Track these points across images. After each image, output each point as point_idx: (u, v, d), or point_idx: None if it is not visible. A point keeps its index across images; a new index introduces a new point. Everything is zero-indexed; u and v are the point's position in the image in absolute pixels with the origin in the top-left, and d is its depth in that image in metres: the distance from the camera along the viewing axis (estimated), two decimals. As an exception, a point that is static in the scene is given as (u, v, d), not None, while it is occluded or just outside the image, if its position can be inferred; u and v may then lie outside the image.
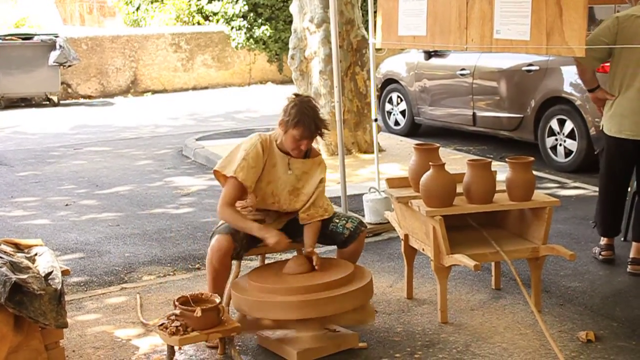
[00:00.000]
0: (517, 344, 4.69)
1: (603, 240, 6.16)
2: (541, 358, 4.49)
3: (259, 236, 4.74)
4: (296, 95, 4.86)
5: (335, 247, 5.09)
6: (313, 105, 4.79)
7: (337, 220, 4.97)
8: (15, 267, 4.43)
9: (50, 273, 4.50)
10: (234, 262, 4.91)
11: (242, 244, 4.80)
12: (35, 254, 4.79)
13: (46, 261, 4.66)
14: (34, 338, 4.39)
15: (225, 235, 4.75)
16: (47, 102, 16.98)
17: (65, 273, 4.71)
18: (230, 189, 4.79)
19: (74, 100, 17.91)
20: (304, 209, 4.90)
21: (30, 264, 4.58)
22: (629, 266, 5.90)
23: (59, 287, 4.44)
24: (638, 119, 5.75)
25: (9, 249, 4.75)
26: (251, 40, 19.52)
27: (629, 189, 6.26)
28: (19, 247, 4.91)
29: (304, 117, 4.69)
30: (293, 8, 10.72)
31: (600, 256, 6.12)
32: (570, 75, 9.20)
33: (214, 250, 4.74)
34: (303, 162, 4.91)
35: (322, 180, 4.99)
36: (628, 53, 5.71)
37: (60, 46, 16.43)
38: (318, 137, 4.84)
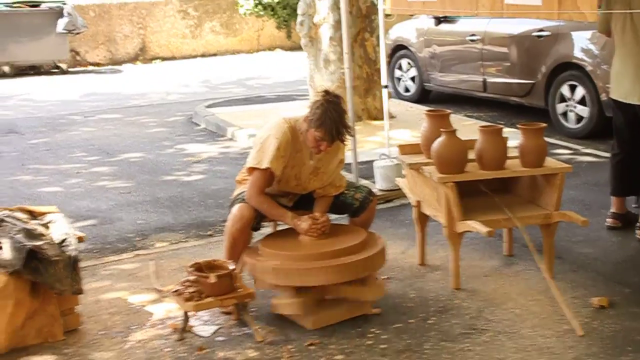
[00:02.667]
0: (530, 310, 4.70)
1: (612, 208, 6.15)
2: (554, 324, 4.50)
3: (292, 225, 4.74)
4: (326, 92, 4.72)
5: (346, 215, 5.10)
6: (340, 108, 4.65)
7: (347, 191, 4.98)
8: (30, 234, 4.47)
9: (64, 240, 4.53)
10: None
11: (261, 213, 4.81)
12: (49, 221, 4.81)
13: (60, 228, 4.68)
14: (50, 304, 4.44)
15: (246, 204, 4.75)
16: (56, 70, 16.97)
17: (80, 240, 4.73)
18: (260, 178, 4.73)
19: (82, 68, 17.89)
20: (321, 187, 4.91)
21: (44, 231, 4.62)
22: (636, 231, 5.89)
23: (74, 253, 4.48)
24: (619, 82, 5.78)
25: (23, 216, 4.77)
26: (259, 6, 19.40)
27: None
28: (33, 215, 4.92)
29: (328, 121, 4.59)
30: (302, -26, 10.65)
31: (606, 223, 6.11)
32: (581, 40, 9.15)
33: (236, 219, 4.72)
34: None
35: (341, 161, 4.97)
36: (617, 16, 5.68)
37: (68, 13, 16.40)
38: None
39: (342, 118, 4.65)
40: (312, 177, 4.88)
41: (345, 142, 4.80)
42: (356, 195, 4.97)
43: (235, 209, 4.76)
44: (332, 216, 4.97)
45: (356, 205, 4.95)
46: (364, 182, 7.39)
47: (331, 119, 4.59)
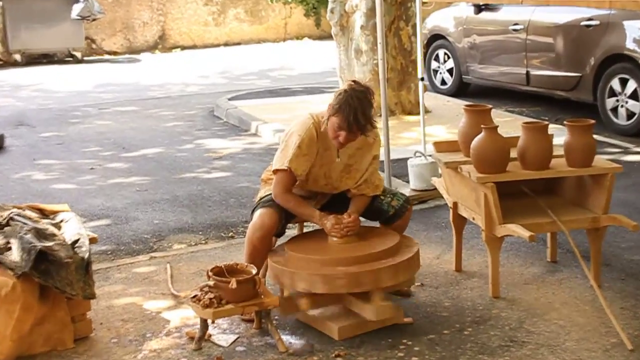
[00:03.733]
0: (575, 321, 4.65)
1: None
2: (601, 337, 4.45)
3: (319, 223, 4.74)
4: (354, 82, 4.71)
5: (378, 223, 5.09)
6: (363, 97, 4.61)
7: (383, 197, 4.95)
8: (40, 234, 4.49)
9: (77, 240, 4.55)
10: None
11: (287, 217, 4.81)
12: (61, 220, 4.83)
13: (73, 228, 4.70)
14: (60, 309, 4.45)
15: (268, 209, 4.74)
16: (70, 59, 17.08)
17: (92, 241, 4.74)
18: (284, 178, 4.73)
19: (98, 57, 18.00)
20: (355, 185, 4.88)
21: (55, 231, 4.64)
22: None
23: (87, 255, 4.49)
24: None
25: (33, 215, 4.80)
26: (287, -8, 19.45)
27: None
28: (43, 213, 4.95)
29: (346, 107, 4.56)
30: (333, -42, 10.63)
31: None
32: (633, 30, 9.07)
33: (256, 228, 4.71)
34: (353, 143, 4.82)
35: (375, 157, 4.93)
36: None
37: (84, -1, 16.50)
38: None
39: (364, 107, 4.60)
40: (344, 175, 4.85)
41: (368, 134, 4.73)
42: (392, 202, 4.95)
43: (257, 216, 4.75)
44: (365, 221, 4.95)
45: (391, 213, 4.94)
46: (396, 181, 7.37)
47: (351, 105, 4.56)
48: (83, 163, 8.82)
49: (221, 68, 15.82)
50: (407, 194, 6.97)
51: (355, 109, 4.56)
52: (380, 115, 6.91)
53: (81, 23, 16.75)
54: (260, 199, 4.91)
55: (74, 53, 17.03)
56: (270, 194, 4.80)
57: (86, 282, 4.46)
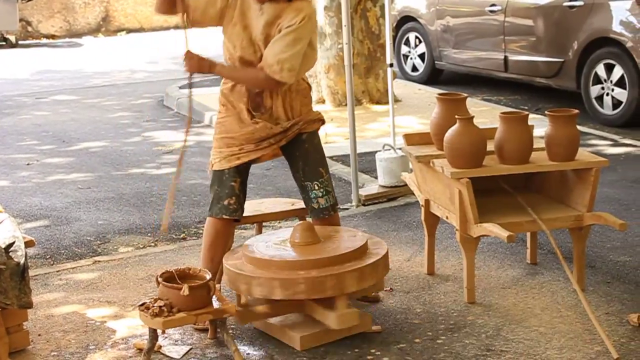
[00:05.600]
0: (557, 328, 4.70)
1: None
2: (585, 345, 4.50)
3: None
4: None
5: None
6: None
7: (317, 186, 4.99)
8: (-30, 237, 4.45)
9: (11, 244, 4.51)
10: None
11: (240, 200, 4.92)
12: (-6, 222, 4.80)
13: (7, 230, 4.67)
14: (-7, 320, 4.42)
15: (218, 220, 4.89)
16: (3, 43, 16.96)
17: (29, 244, 4.72)
18: None
19: (35, 41, 17.89)
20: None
21: (-13, 234, 4.60)
22: None
23: (22, 260, 4.47)
24: None
25: (-38, 216, 4.76)
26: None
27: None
28: (-26, 214, 4.92)
29: None
30: None
31: None
32: (620, 11, 9.17)
33: (212, 240, 4.93)
34: (276, 5, 4.77)
35: (291, 26, 4.73)
36: None
37: (18, -24, 16.39)
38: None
39: None
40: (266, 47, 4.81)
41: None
42: (320, 199, 5.00)
43: (210, 224, 4.94)
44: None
45: (315, 207, 5.01)
46: (363, 177, 7.40)
47: None
48: (18, 158, 8.78)
49: (171, 53, 15.73)
50: (376, 191, 7.04)
51: None
52: (346, 105, 6.94)
53: (15, 3, 16.63)
54: (211, 199, 4.95)
55: (7, 37, 16.92)
56: (216, 193, 4.90)
57: (22, 289, 4.43)
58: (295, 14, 4.74)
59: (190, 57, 4.91)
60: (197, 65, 4.92)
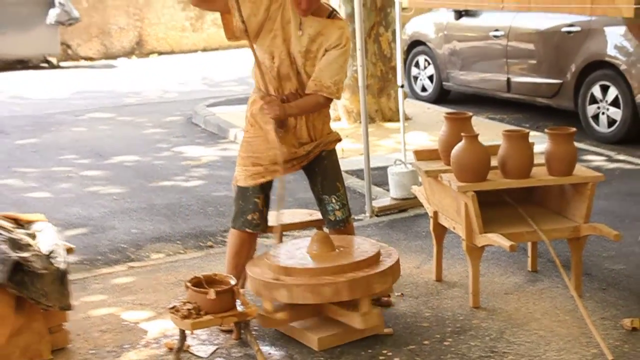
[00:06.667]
0: (556, 332, 4.69)
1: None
2: (582, 347, 4.49)
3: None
4: None
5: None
6: None
7: (335, 200, 5.00)
8: (15, 244, 4.47)
9: (52, 251, 4.54)
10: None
11: (263, 215, 4.92)
12: (37, 230, 4.82)
13: (48, 238, 4.69)
14: (36, 320, 4.45)
15: (241, 232, 4.91)
16: (46, 65, 17.00)
17: (69, 251, 4.75)
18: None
19: (74, 63, 17.93)
20: (314, 76, 4.78)
21: (31, 241, 4.62)
22: None
23: (63, 266, 4.49)
24: None
25: (8, 225, 4.78)
26: (266, -3, 19.44)
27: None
28: (18, 223, 4.93)
29: None
30: (312, -37, 10.65)
31: None
32: (614, 37, 9.14)
33: (236, 247, 4.95)
34: (319, 21, 4.78)
35: (339, 46, 4.80)
36: None
37: (60, 3, 16.43)
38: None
39: None
40: (307, 62, 4.80)
41: (334, 16, 4.78)
42: (337, 211, 5.01)
43: (232, 236, 4.96)
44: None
45: (331, 219, 5.03)
46: (376, 189, 7.40)
47: None
48: (59, 171, 8.80)
49: (199, 74, 15.80)
50: (388, 203, 7.04)
51: None
52: (361, 122, 6.95)
53: (57, 28, 16.69)
54: (235, 212, 4.95)
55: (49, 59, 16.95)
56: (241, 209, 4.91)
57: (62, 293, 4.45)
58: (340, 33, 4.77)
59: (270, 102, 4.74)
60: (280, 110, 4.73)
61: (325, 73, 4.73)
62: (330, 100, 4.81)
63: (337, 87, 4.76)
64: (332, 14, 4.84)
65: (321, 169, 4.99)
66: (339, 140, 5.07)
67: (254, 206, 4.87)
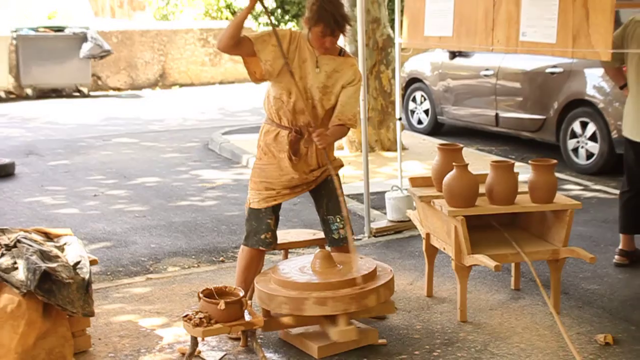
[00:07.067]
0: (535, 345, 4.67)
1: (620, 245, 6.12)
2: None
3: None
4: None
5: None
6: (335, 1, 4.73)
7: (339, 219, 4.98)
8: (45, 255, 4.48)
9: (78, 262, 4.54)
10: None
11: (274, 234, 4.92)
12: (65, 243, 4.83)
13: (75, 251, 4.70)
14: (62, 325, 4.43)
15: (253, 250, 4.91)
16: (78, 94, 17.06)
17: (93, 263, 4.74)
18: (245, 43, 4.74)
19: (103, 92, 17.97)
20: (337, 112, 4.84)
21: (59, 253, 4.62)
22: None
23: (87, 276, 4.49)
24: (633, 120, 5.78)
25: (39, 238, 4.79)
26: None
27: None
28: (48, 236, 4.95)
29: (324, 14, 4.64)
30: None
31: (614, 260, 6.08)
32: (593, 78, 9.15)
33: (246, 264, 4.94)
34: (333, 59, 4.83)
35: (353, 82, 4.85)
36: (632, 55, 5.71)
37: (93, 37, 16.50)
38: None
39: (338, 9, 4.70)
40: (323, 97, 4.83)
41: (345, 34, 4.81)
42: (341, 230, 4.99)
43: (245, 252, 4.94)
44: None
45: (335, 237, 5.00)
46: (375, 212, 7.39)
47: (327, 11, 4.65)
48: (87, 190, 8.80)
49: (217, 105, 15.83)
50: (385, 225, 7.03)
51: (333, 13, 4.67)
52: (362, 151, 6.95)
53: (88, 61, 16.75)
54: (247, 231, 4.95)
55: (81, 88, 17.00)
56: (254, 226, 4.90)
57: (86, 300, 4.45)
58: (353, 70, 4.85)
59: (321, 134, 4.72)
60: (328, 139, 4.77)
61: (347, 108, 4.82)
62: (349, 129, 4.90)
63: (355, 119, 4.89)
64: (342, 52, 4.89)
65: (327, 192, 4.99)
66: (342, 166, 5.08)
67: (266, 226, 4.87)
